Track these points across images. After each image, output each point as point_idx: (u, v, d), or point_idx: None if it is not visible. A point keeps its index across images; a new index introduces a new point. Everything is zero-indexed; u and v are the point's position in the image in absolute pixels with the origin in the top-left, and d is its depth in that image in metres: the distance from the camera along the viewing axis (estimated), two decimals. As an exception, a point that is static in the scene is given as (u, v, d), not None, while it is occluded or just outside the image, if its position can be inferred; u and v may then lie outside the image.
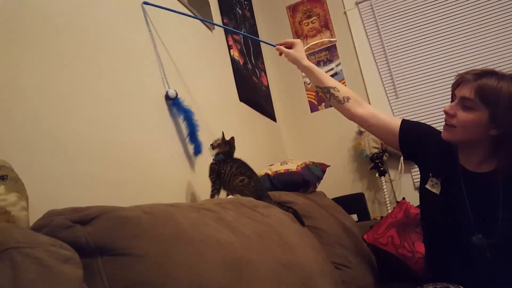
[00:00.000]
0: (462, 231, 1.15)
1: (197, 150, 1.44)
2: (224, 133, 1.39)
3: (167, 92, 1.35)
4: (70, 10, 1.02)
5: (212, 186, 1.33)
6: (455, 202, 1.17)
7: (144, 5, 1.38)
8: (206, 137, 1.52)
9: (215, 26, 2.06)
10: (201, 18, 1.80)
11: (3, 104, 0.77)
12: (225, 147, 1.36)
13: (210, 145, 1.38)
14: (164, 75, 1.39)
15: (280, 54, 1.46)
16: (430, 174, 1.25)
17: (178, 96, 1.37)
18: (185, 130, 1.42)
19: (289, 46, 1.44)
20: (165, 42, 1.48)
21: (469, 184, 1.16)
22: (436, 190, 1.22)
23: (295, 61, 1.41)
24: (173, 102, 1.37)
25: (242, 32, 1.97)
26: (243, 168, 1.34)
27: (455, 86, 1.16)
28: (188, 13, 1.73)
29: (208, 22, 1.93)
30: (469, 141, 1.15)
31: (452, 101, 1.18)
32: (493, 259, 1.10)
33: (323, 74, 1.42)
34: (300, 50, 1.41)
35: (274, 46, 1.46)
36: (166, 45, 1.48)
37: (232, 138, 1.39)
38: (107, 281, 0.57)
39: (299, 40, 1.44)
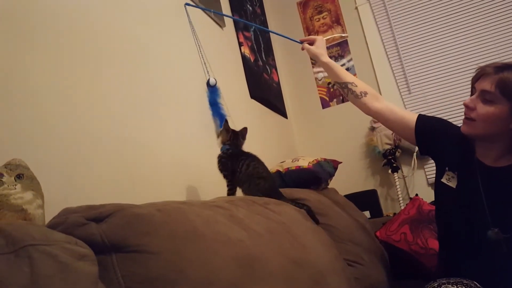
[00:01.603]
0: (477, 225, 1.14)
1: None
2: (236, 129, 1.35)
3: (208, 79, 1.58)
4: (73, 9, 1.03)
5: (228, 184, 1.29)
6: (471, 196, 1.16)
7: (187, 6, 1.62)
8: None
9: (225, 22, 2.06)
10: (239, 19, 1.92)
11: (19, 105, 0.78)
12: (227, 134, 1.30)
13: (223, 142, 1.32)
14: (205, 65, 1.61)
15: (302, 49, 1.52)
16: (447, 168, 1.24)
17: (217, 85, 1.59)
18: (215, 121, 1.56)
19: (311, 42, 1.51)
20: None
21: (485, 179, 1.15)
22: (452, 184, 1.21)
23: (315, 56, 1.48)
24: (211, 89, 1.55)
25: (272, 31, 1.97)
26: (260, 167, 1.31)
27: (475, 79, 1.14)
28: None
29: (246, 23, 2.04)
30: (488, 135, 1.13)
31: (471, 94, 1.17)
32: (509, 253, 1.09)
33: (341, 70, 1.46)
34: (320, 46, 1.48)
35: (300, 42, 1.53)
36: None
37: (244, 129, 1.33)
38: (121, 278, 0.59)
39: (321, 37, 1.51)
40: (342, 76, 1.44)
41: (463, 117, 1.18)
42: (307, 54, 1.54)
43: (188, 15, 1.62)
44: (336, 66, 1.46)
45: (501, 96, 1.06)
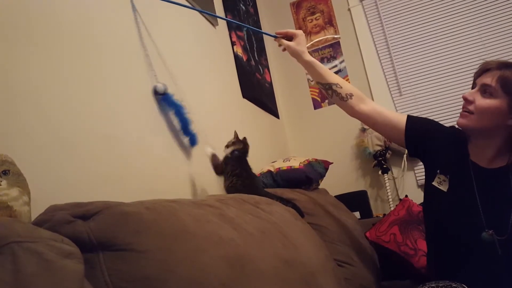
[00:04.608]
0: (471, 228, 1.13)
1: (193, 142, 1.39)
2: (230, 131, 1.40)
3: (155, 86, 1.25)
4: (71, 9, 1.02)
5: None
6: (464, 199, 1.15)
7: None
8: (210, 135, 1.51)
9: (218, 21, 2.05)
10: (199, 9, 1.77)
11: (6, 100, 0.77)
12: (239, 144, 1.38)
13: (225, 146, 1.39)
14: (153, 69, 1.32)
15: (279, 45, 1.38)
16: (438, 171, 1.21)
17: (168, 91, 1.28)
18: (177, 125, 1.35)
19: (290, 37, 1.36)
20: (160, 37, 1.48)
21: (480, 180, 1.14)
22: (443, 188, 1.19)
23: (295, 54, 1.34)
24: (162, 98, 1.28)
25: (241, 23, 1.94)
26: (236, 164, 1.33)
27: (478, 74, 1.16)
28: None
29: (205, 13, 1.88)
30: (484, 130, 1.13)
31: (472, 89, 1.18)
32: (504, 256, 1.08)
33: (325, 69, 1.36)
34: (300, 42, 1.33)
35: (275, 36, 1.37)
36: (160, 40, 1.48)
37: (245, 138, 1.41)
38: (108, 276, 0.57)
39: (301, 31, 1.35)
40: (326, 77, 1.34)
41: (454, 119, 1.18)
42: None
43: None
44: (319, 65, 1.35)
45: (501, 90, 1.08)
